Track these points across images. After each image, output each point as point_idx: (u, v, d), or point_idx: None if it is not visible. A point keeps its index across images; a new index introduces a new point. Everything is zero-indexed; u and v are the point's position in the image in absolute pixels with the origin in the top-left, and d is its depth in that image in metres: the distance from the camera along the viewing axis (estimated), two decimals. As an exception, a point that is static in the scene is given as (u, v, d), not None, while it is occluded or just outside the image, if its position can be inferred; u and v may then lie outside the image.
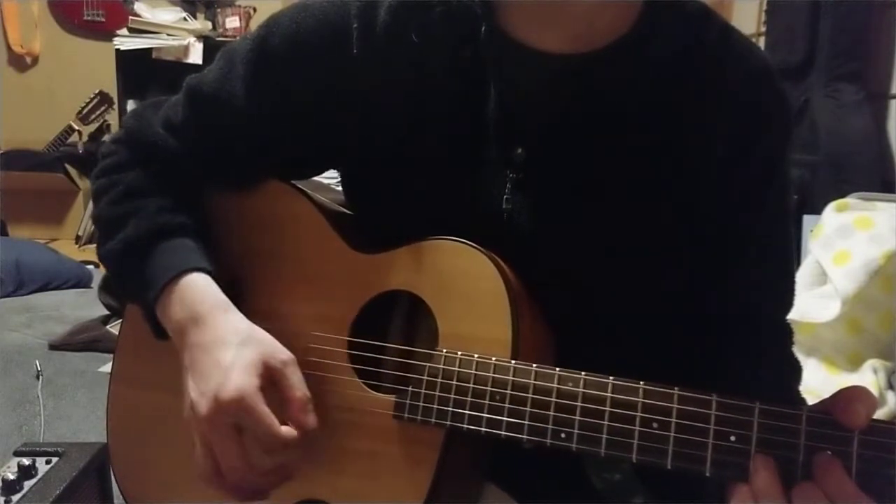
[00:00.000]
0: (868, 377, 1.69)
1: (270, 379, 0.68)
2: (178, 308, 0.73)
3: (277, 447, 0.67)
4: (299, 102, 0.75)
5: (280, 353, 0.69)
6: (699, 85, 0.70)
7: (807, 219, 2.00)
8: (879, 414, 1.64)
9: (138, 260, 0.76)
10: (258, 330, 0.71)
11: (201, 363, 0.69)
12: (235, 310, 0.73)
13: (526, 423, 0.63)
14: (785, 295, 0.80)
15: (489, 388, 0.64)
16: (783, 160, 0.75)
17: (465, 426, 0.65)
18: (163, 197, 0.79)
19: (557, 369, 0.62)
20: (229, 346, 0.69)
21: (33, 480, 0.90)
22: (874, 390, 1.65)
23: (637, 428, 0.59)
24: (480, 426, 0.64)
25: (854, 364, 1.75)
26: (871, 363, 1.71)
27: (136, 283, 0.76)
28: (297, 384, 0.69)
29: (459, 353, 0.66)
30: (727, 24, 0.74)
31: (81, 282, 2.95)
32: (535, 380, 0.63)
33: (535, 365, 0.63)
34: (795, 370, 0.80)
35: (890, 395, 1.67)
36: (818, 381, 1.72)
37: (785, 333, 0.81)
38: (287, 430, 0.67)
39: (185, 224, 0.78)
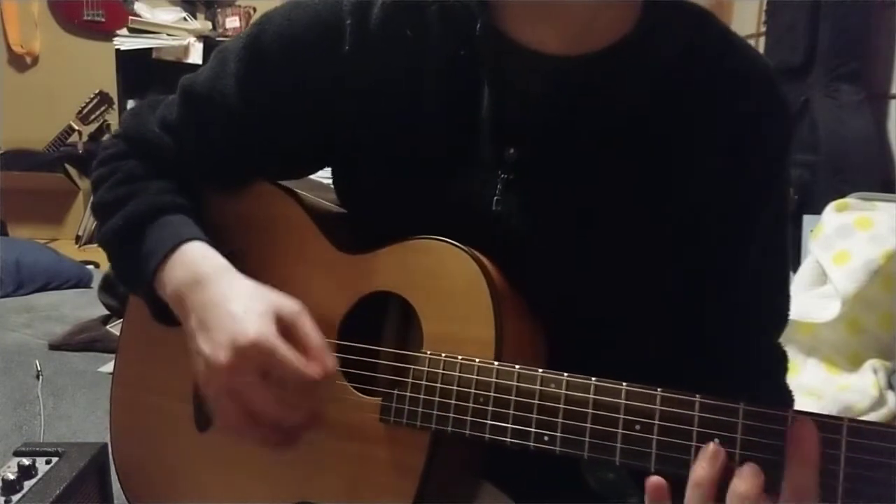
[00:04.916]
0: (868, 377, 1.69)
1: (284, 329, 0.67)
2: (179, 272, 0.72)
3: (305, 384, 0.65)
4: (291, 100, 0.75)
5: (289, 303, 0.68)
6: (699, 89, 0.70)
7: (807, 219, 2.00)
8: (879, 414, 1.64)
9: (138, 235, 0.76)
10: (263, 287, 0.70)
11: (212, 318, 0.68)
12: (238, 272, 0.72)
13: (509, 426, 0.62)
14: (781, 311, 0.79)
15: (473, 391, 0.64)
16: (783, 166, 0.74)
17: (450, 429, 0.65)
18: (163, 181, 0.79)
19: (540, 371, 0.62)
20: (238, 299, 0.68)
21: (33, 480, 0.89)
22: (874, 390, 1.65)
23: (620, 431, 0.58)
24: (464, 429, 0.64)
25: (854, 364, 1.75)
26: (871, 363, 1.71)
27: (135, 258, 0.76)
28: (312, 331, 0.67)
29: (443, 354, 0.66)
30: (727, 28, 0.74)
31: (81, 282, 2.95)
32: (518, 381, 0.62)
33: (518, 366, 0.63)
34: (787, 403, 0.79)
35: (890, 395, 1.67)
36: (818, 381, 1.72)
37: (778, 361, 0.80)
38: (313, 367, 0.65)
39: (185, 205, 0.78)
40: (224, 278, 0.71)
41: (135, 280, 0.78)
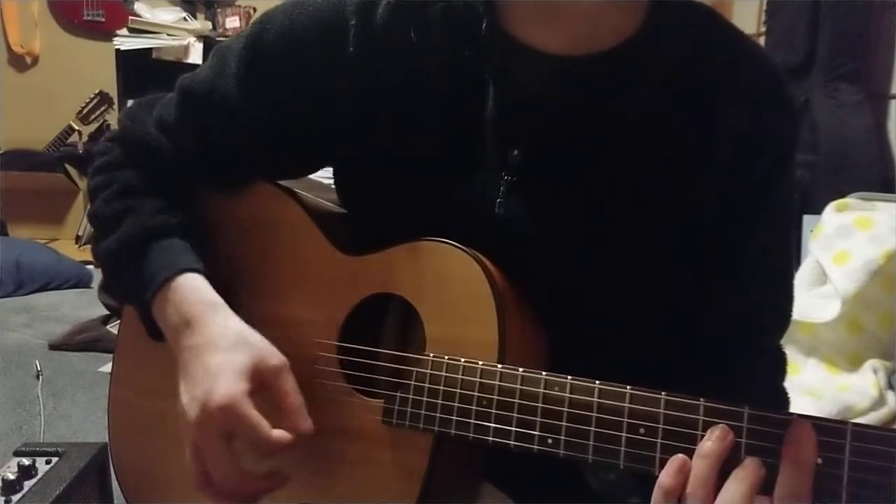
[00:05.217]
0: (868, 377, 1.69)
1: (261, 384, 0.67)
2: (171, 311, 0.72)
3: (269, 452, 0.66)
4: (293, 100, 0.74)
5: (271, 357, 0.68)
6: (705, 89, 0.70)
7: (807, 219, 2.00)
8: (879, 414, 1.64)
9: (133, 260, 0.75)
10: (250, 332, 0.70)
11: (192, 367, 0.69)
12: (227, 309, 0.72)
13: (513, 429, 0.62)
14: (783, 312, 0.79)
15: (476, 394, 0.64)
16: (788, 166, 0.74)
17: (453, 432, 0.64)
18: (157, 197, 0.78)
19: (544, 374, 0.62)
20: (219, 349, 0.68)
21: (33, 480, 0.90)
22: (874, 390, 1.65)
23: (624, 434, 0.58)
24: (468, 432, 0.64)
25: (854, 364, 1.75)
26: (871, 363, 1.72)
27: (130, 284, 0.76)
28: (290, 390, 0.68)
29: (446, 357, 0.66)
30: (735, 29, 0.73)
31: (81, 282, 2.96)
32: (521, 385, 0.62)
33: (521, 370, 0.63)
34: (782, 406, 0.78)
35: (890, 394, 1.68)
36: (818, 381, 1.72)
37: (777, 362, 0.80)
38: (279, 434, 0.66)
39: (180, 224, 0.77)
40: (210, 321, 0.70)
41: (131, 303, 0.78)
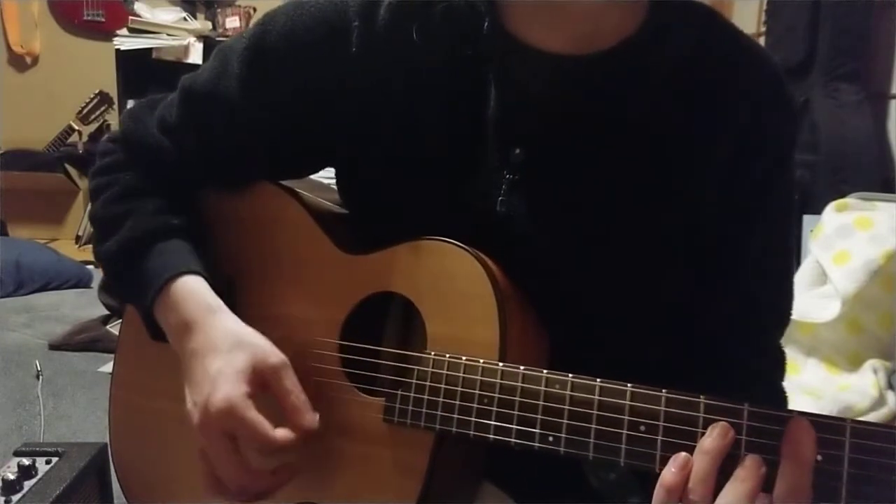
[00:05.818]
0: (868, 377, 1.69)
1: (262, 384, 0.68)
2: (172, 315, 0.73)
3: (273, 450, 0.66)
4: (295, 101, 0.75)
5: (270, 356, 0.68)
6: (706, 88, 0.70)
7: (807, 219, 2.00)
8: (879, 414, 1.64)
9: (134, 261, 0.76)
10: (249, 333, 0.70)
11: (194, 372, 0.69)
12: (226, 311, 0.72)
13: (514, 426, 0.62)
14: (783, 312, 0.79)
15: (477, 392, 0.64)
16: (787, 166, 0.74)
17: (454, 430, 0.65)
18: (159, 198, 0.79)
19: (545, 372, 0.62)
20: (219, 352, 0.68)
21: (33, 480, 0.90)
22: (874, 390, 1.65)
23: (625, 431, 0.58)
24: (469, 430, 0.64)
25: (854, 364, 1.75)
26: (871, 363, 1.72)
27: (131, 285, 0.76)
28: (291, 388, 0.68)
29: (447, 355, 0.66)
30: (736, 28, 0.74)
31: (81, 282, 2.96)
32: (522, 382, 0.62)
33: (522, 367, 0.63)
34: (780, 405, 0.78)
35: (890, 394, 1.68)
36: (818, 381, 1.72)
37: (776, 362, 0.80)
38: (282, 433, 0.66)
39: (181, 226, 0.77)
40: (210, 323, 0.70)
41: (133, 304, 0.79)
